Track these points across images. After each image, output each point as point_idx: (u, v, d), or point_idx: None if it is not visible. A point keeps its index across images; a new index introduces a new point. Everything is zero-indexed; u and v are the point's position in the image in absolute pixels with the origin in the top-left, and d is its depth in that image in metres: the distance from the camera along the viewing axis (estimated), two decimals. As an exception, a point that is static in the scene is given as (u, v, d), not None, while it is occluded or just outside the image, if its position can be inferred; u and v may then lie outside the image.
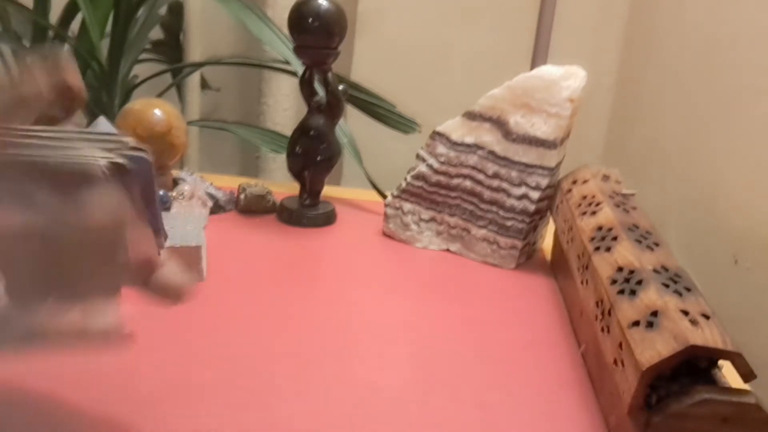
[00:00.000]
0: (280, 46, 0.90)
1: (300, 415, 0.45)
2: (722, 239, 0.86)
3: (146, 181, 0.35)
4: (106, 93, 1.03)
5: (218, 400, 0.45)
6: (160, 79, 1.15)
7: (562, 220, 0.68)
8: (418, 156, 0.75)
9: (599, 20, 1.23)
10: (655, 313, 0.43)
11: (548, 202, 0.72)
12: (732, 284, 0.82)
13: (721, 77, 0.92)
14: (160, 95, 1.13)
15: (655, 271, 0.49)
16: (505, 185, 0.71)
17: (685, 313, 0.43)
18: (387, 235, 0.77)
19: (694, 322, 0.42)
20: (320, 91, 0.76)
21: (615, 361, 0.45)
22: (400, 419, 0.46)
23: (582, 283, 0.57)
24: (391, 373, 0.51)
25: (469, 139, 0.72)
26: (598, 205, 0.62)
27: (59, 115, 0.37)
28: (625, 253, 0.52)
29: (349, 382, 0.49)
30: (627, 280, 0.49)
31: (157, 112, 0.74)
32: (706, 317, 0.43)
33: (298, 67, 0.80)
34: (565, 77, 0.70)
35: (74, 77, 0.36)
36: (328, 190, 0.82)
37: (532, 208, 0.70)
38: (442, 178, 0.73)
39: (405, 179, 0.75)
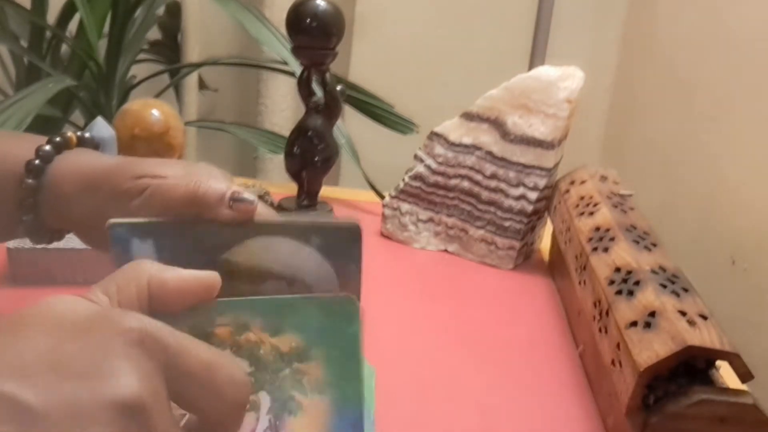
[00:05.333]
0: (278, 47, 0.90)
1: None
2: (720, 240, 0.86)
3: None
4: (103, 93, 1.03)
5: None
6: (158, 80, 1.15)
7: (559, 220, 0.68)
8: (416, 156, 0.75)
9: (597, 21, 1.24)
10: (652, 314, 0.43)
11: (546, 202, 0.72)
12: (729, 285, 0.82)
13: (718, 78, 0.92)
14: (157, 95, 1.13)
15: (653, 271, 0.49)
16: (502, 186, 0.71)
17: (683, 313, 0.43)
18: (385, 236, 0.77)
19: (691, 323, 0.42)
20: (318, 92, 0.76)
21: (613, 362, 0.45)
22: (397, 420, 0.46)
23: (580, 283, 0.57)
24: (388, 373, 0.51)
25: (466, 140, 0.72)
26: (595, 205, 0.62)
27: None
28: (623, 253, 0.52)
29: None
30: (625, 281, 0.49)
31: (155, 112, 0.74)
32: (704, 318, 0.43)
33: (296, 67, 0.79)
34: (562, 78, 0.70)
35: None
36: (326, 191, 0.82)
37: (529, 208, 0.70)
38: (440, 179, 0.73)
39: (403, 180, 0.75)
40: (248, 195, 0.38)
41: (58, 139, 0.42)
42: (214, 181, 0.37)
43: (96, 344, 0.23)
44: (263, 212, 0.39)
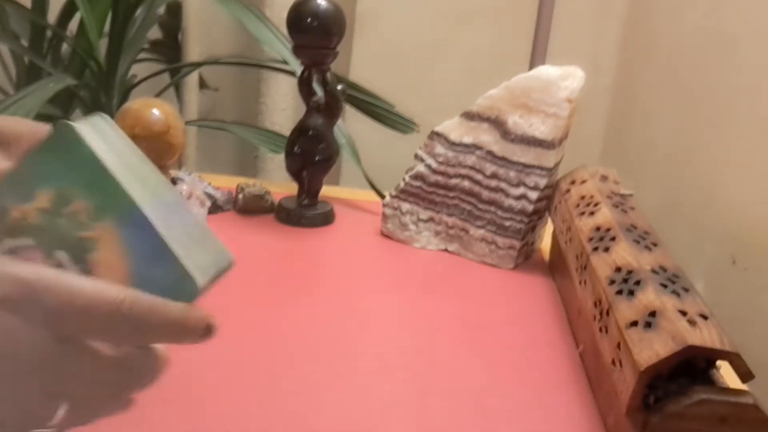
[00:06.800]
0: (279, 46, 0.90)
1: (297, 414, 0.45)
2: (720, 240, 0.86)
3: None
4: (104, 92, 1.03)
5: (216, 400, 0.45)
6: (159, 79, 1.15)
7: (560, 220, 0.68)
8: (416, 156, 0.75)
9: (597, 20, 1.23)
10: (653, 314, 0.43)
11: (546, 202, 0.72)
12: (730, 284, 0.82)
13: (719, 78, 0.92)
14: (158, 95, 1.13)
15: (653, 271, 0.49)
16: (503, 185, 0.71)
17: (683, 313, 0.43)
18: (385, 235, 0.77)
19: (692, 323, 0.42)
20: (319, 91, 0.76)
21: (613, 362, 0.45)
22: (397, 419, 0.46)
23: (580, 283, 0.57)
24: (389, 372, 0.51)
25: (467, 139, 0.72)
26: (596, 205, 0.62)
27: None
28: (623, 253, 0.52)
29: (346, 381, 0.49)
30: (625, 281, 0.49)
31: (156, 111, 0.74)
32: (704, 317, 0.43)
33: (297, 67, 0.80)
34: (563, 77, 0.70)
35: None
36: (326, 190, 0.82)
37: (530, 208, 0.70)
38: (440, 178, 0.73)
39: (403, 179, 0.75)
40: None
41: None
42: None
43: None
44: None
